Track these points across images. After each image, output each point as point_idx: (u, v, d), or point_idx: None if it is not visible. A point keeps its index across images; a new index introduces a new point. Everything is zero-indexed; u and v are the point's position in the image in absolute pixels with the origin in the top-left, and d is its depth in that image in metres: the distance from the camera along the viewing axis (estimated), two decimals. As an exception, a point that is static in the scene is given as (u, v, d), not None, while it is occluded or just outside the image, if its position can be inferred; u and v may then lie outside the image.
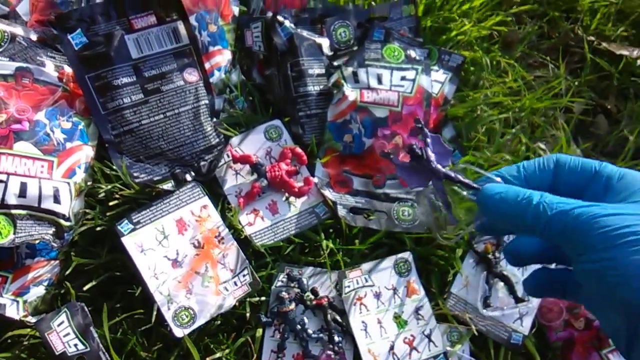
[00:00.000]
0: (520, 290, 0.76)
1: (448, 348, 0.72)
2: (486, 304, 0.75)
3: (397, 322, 0.72)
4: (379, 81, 0.82)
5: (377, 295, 0.73)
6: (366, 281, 0.73)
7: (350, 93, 0.81)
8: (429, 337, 0.72)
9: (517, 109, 0.91)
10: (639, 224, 0.35)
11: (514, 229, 0.42)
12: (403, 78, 0.83)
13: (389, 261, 0.74)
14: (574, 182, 0.42)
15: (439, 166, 0.49)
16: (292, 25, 0.84)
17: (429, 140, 0.52)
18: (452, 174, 0.48)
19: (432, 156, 0.50)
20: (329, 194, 0.78)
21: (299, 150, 0.79)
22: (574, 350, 0.75)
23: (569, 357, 0.75)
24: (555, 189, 0.41)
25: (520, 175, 0.43)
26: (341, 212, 0.77)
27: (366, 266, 0.74)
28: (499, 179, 0.43)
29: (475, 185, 0.44)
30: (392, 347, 0.71)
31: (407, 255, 0.75)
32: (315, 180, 0.79)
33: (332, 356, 0.71)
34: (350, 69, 0.83)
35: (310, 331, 0.71)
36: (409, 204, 0.80)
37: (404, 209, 0.79)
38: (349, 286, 0.72)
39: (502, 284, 0.76)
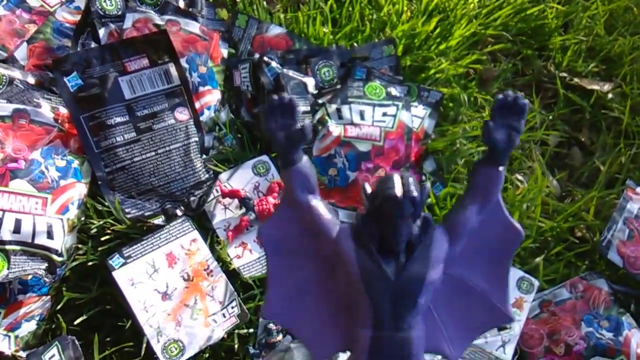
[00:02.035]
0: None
1: None
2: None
3: None
4: (362, 117, 0.87)
5: None
6: None
7: (335, 129, 0.85)
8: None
9: (494, 142, 0.95)
10: None
11: None
12: (384, 114, 0.87)
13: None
14: None
15: None
16: (279, 65, 0.89)
17: None
18: None
19: None
20: None
21: (285, 184, 0.82)
22: (556, 376, 0.77)
23: (551, 383, 0.77)
24: None
25: None
26: None
27: None
28: None
29: None
30: None
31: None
32: None
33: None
34: (334, 106, 0.87)
35: (298, 362, 0.73)
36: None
37: (388, 239, 0.82)
38: None
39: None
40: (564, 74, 1.08)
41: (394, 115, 0.88)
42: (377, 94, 0.89)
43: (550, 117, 1.03)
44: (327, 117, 0.86)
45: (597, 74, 1.11)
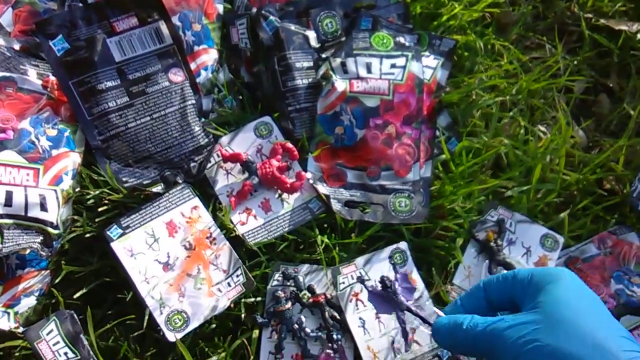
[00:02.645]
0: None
1: None
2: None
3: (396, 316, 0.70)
4: (369, 70, 0.81)
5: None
6: (361, 276, 0.71)
7: (340, 84, 0.79)
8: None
9: (514, 92, 0.89)
10: (532, 330, 0.41)
11: (462, 351, 0.51)
12: (393, 65, 0.81)
13: (384, 253, 0.72)
14: (503, 295, 0.48)
15: (402, 299, 0.65)
16: (278, 19, 0.83)
17: (398, 276, 0.67)
18: (413, 308, 0.63)
19: (399, 290, 0.66)
20: (322, 188, 0.76)
21: (289, 145, 0.77)
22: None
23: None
24: (493, 306, 0.49)
25: (459, 306, 0.51)
26: (336, 206, 0.75)
27: (361, 260, 0.71)
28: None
29: (428, 320, 0.58)
30: (392, 342, 0.68)
31: (403, 245, 0.73)
32: (308, 175, 0.77)
33: (332, 355, 0.69)
34: (338, 60, 0.81)
35: (308, 330, 0.69)
36: (406, 195, 0.77)
37: (401, 200, 0.77)
38: (343, 282, 0.70)
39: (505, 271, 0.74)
40: (589, 15, 1.00)
41: (404, 67, 0.81)
42: (384, 45, 0.82)
43: (575, 62, 0.95)
44: (331, 72, 0.80)
45: (625, 14, 1.02)
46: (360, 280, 0.68)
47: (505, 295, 0.48)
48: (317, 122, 0.79)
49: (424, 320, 0.59)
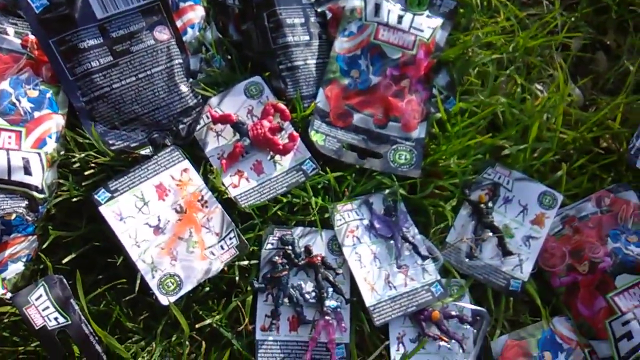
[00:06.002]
0: (510, 243, 0.73)
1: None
2: (471, 254, 0.72)
3: (390, 252, 0.71)
4: (399, 21, 0.79)
5: (368, 228, 0.72)
6: (357, 215, 0.71)
7: (366, 30, 0.78)
8: (423, 268, 0.72)
9: (510, 49, 0.86)
10: None
11: None
12: (425, 24, 0.80)
13: (377, 197, 0.74)
14: None
15: (402, 226, 0.72)
16: (267, -26, 0.79)
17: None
18: (409, 238, 0.71)
19: (400, 216, 0.73)
20: (320, 126, 0.75)
21: (281, 105, 0.75)
22: (578, 295, 0.72)
23: (573, 303, 0.72)
24: None
25: None
26: (333, 146, 0.74)
27: (357, 201, 0.73)
28: None
29: (420, 251, 0.70)
30: (387, 276, 0.70)
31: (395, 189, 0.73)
32: (317, 102, 0.76)
33: (330, 321, 0.68)
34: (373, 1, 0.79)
35: (307, 296, 0.69)
36: (408, 150, 0.76)
37: (402, 152, 0.75)
38: (340, 219, 0.71)
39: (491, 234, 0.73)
40: (588, -30, 0.96)
41: (433, 29, 0.80)
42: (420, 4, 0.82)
43: (573, 19, 0.92)
44: (363, 13, 0.79)
45: (625, -31, 0.99)
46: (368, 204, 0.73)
47: None
48: (334, 60, 0.78)
49: (415, 248, 0.67)
